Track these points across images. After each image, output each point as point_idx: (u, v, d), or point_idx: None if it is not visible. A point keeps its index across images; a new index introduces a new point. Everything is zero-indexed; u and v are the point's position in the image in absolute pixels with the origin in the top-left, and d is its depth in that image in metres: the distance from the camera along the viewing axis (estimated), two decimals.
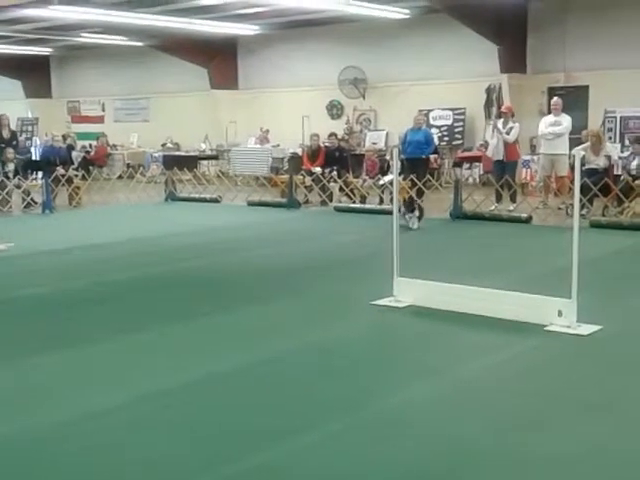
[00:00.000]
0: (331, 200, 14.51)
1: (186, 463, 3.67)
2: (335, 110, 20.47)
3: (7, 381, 4.89)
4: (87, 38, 20.66)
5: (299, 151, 18.22)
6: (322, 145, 15.77)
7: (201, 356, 5.36)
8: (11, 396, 4.62)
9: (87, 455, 3.78)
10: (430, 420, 4.22)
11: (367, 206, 13.80)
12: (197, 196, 15.65)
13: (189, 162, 19.18)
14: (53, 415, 4.29)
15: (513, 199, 13.27)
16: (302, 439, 3.92)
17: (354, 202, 14.19)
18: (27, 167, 15.84)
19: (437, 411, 4.35)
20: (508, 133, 13.37)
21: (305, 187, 14.88)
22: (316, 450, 3.82)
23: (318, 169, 15.00)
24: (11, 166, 15.03)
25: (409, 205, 11.64)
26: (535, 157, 15.14)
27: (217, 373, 4.96)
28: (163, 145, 22.29)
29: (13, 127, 16.36)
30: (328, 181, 14.65)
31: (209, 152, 21.60)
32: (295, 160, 17.78)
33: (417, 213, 11.54)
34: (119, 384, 4.79)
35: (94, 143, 22.58)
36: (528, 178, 15.53)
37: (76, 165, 17.36)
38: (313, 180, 14.79)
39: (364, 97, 19.84)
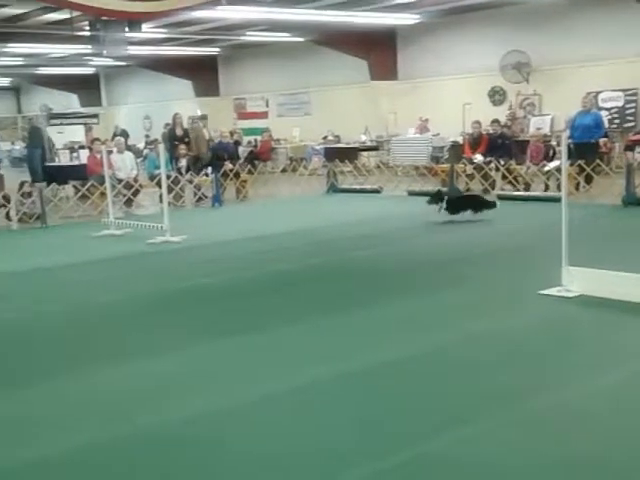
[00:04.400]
0: (493, 188, 14.19)
1: (351, 450, 3.72)
2: (497, 96, 19.96)
3: (180, 366, 5.15)
4: (252, 36, 21.38)
5: (460, 139, 17.96)
6: (484, 132, 15.45)
7: (361, 346, 5.40)
8: (184, 380, 4.88)
9: (258, 437, 3.94)
10: (609, 412, 4.04)
11: (532, 193, 13.39)
12: (358, 187, 15.81)
13: (350, 154, 19.39)
14: (221, 400, 4.48)
15: None
16: (466, 429, 3.88)
17: (517, 190, 13.82)
18: (197, 163, 16.63)
19: (616, 403, 4.16)
20: None
21: (466, 175, 14.65)
22: (482, 441, 3.76)
23: (479, 157, 14.71)
24: (183, 162, 15.85)
25: (436, 195, 11.42)
26: None
27: (380, 363, 4.98)
28: (324, 138, 22.67)
29: (185, 125, 17.20)
30: (490, 169, 14.34)
31: (369, 143, 21.73)
32: (456, 148, 17.54)
33: (444, 204, 11.10)
34: (289, 369, 4.94)
35: (259, 138, 23.39)
36: None
37: (243, 160, 18.03)
38: (475, 168, 14.53)
39: (528, 81, 19.21)
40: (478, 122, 15.55)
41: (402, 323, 5.95)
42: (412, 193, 14.64)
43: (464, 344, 5.32)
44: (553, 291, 6.41)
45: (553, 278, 6.45)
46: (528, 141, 15.73)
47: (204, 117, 21.95)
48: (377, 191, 15.30)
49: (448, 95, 20.09)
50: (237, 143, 19.60)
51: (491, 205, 11.15)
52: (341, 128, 22.61)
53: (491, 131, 15.45)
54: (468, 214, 10.96)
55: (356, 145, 21.44)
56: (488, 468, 3.48)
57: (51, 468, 3.70)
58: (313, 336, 5.70)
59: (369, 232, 10.68)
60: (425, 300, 6.67)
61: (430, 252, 8.96)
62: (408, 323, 5.94)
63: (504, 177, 14.24)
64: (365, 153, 21.28)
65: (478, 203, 11.15)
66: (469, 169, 14.65)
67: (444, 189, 11.96)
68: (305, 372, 4.84)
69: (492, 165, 14.39)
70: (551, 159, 14.05)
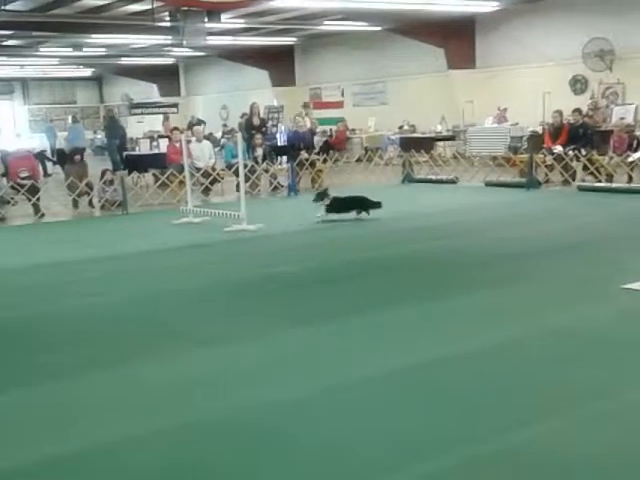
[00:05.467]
0: (574, 179, 13.86)
1: (437, 438, 3.73)
2: (579, 85, 19.45)
3: (257, 353, 5.23)
4: (329, 26, 21.40)
5: (539, 129, 17.61)
6: (565, 122, 15.10)
7: (436, 337, 5.38)
8: (259, 367, 4.95)
9: (339, 423, 3.97)
10: None
11: (614, 185, 13.02)
12: (434, 177, 15.68)
13: (426, 144, 19.25)
14: (303, 386, 4.54)
15: None
16: (550, 424, 3.83)
17: (599, 181, 13.46)
18: (273, 152, 16.80)
19: None
20: None
21: (546, 166, 14.35)
22: (564, 435, 3.70)
23: (560, 147, 14.39)
24: (260, 151, 16.03)
25: (322, 194, 11.12)
26: None
27: (456, 354, 4.95)
28: (400, 128, 22.55)
29: (262, 115, 17.38)
30: (571, 159, 14.01)
31: (445, 133, 21.51)
32: (535, 138, 17.19)
33: (327, 202, 10.90)
34: (364, 359, 4.96)
35: (334, 128, 23.42)
36: None
37: (318, 149, 18.09)
38: (555, 159, 14.21)
39: (611, 69, 18.64)
40: (559, 111, 15.19)
41: (478, 315, 5.89)
42: (489, 184, 14.44)
43: (544, 338, 5.22)
44: (637, 285, 6.24)
45: (638, 272, 6.27)
46: (611, 131, 15.29)
47: (281, 107, 22.09)
48: (453, 181, 15.15)
49: (527, 84, 19.68)
50: (312, 132, 19.66)
51: (376, 205, 11.01)
52: (417, 118, 22.44)
53: (572, 121, 15.07)
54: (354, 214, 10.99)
55: (432, 135, 21.27)
56: (572, 465, 3.43)
57: (131, 448, 3.82)
58: (388, 326, 5.69)
59: (445, 223, 10.59)
60: (503, 292, 6.58)
61: (505, 244, 8.82)
62: (485, 315, 5.87)
63: (585, 168, 13.89)
64: (441, 143, 21.07)
65: (363, 204, 10.99)
66: (549, 160, 14.34)
67: (327, 189, 11.67)
68: (381, 362, 4.85)
69: (573, 155, 14.05)
70: (635, 150, 13.63)
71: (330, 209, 10.92)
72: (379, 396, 4.31)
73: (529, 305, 6.12)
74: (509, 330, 5.43)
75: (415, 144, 18.40)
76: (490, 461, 3.49)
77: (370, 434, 3.82)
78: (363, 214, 11.00)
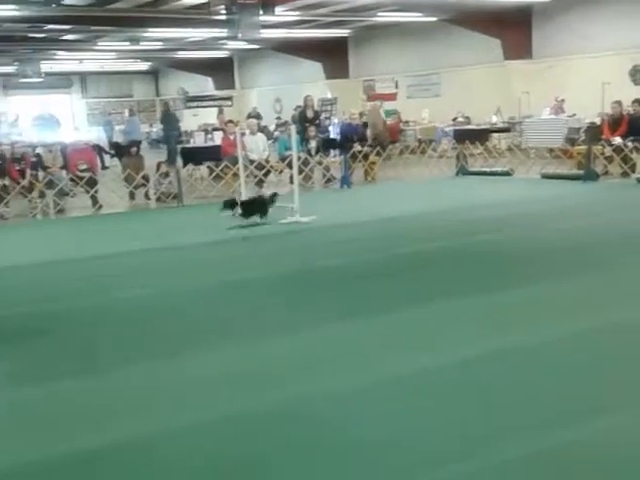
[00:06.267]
0: (633, 171, 13.55)
1: (477, 437, 3.69)
2: (639, 75, 18.97)
3: (307, 345, 5.26)
4: (383, 17, 21.28)
5: (597, 120, 17.22)
6: (625, 113, 14.75)
7: (493, 329, 5.33)
8: (313, 359, 4.98)
9: (385, 419, 3.97)
10: None
11: None
12: (488, 170, 15.49)
13: (480, 135, 19.01)
14: (353, 380, 4.54)
15: None
16: (614, 418, 3.78)
17: None
18: (326, 145, 16.81)
19: None
20: None
21: (604, 158, 14.06)
22: (629, 430, 3.65)
23: (619, 139, 14.07)
24: (313, 144, 16.06)
25: (230, 202, 10.54)
26: None
27: (513, 347, 4.89)
28: (454, 119, 22.32)
29: (315, 107, 17.39)
30: (630, 151, 13.69)
31: (501, 125, 21.22)
32: (593, 130, 16.82)
33: (239, 210, 10.30)
34: (410, 353, 4.94)
35: (388, 120, 23.28)
36: None
37: (370, 142, 18.02)
38: (614, 150, 13.91)
39: None
40: (618, 102, 14.85)
41: (537, 307, 5.81)
42: (546, 176, 14.20)
43: (605, 332, 5.13)
44: None
45: None
46: None
47: (334, 99, 22.07)
48: (508, 174, 14.94)
49: (586, 74, 19.28)
50: (366, 125, 19.59)
51: (273, 200, 10.59)
52: (471, 109, 22.18)
53: (632, 112, 14.72)
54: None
55: (487, 126, 20.99)
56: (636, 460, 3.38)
57: (197, 434, 3.89)
58: (444, 318, 5.67)
59: (501, 215, 10.46)
60: (563, 285, 6.48)
61: (563, 237, 8.66)
62: (544, 307, 5.79)
63: None
64: (496, 135, 20.77)
65: (263, 205, 10.53)
66: (607, 151, 14.04)
67: (235, 197, 11.15)
68: (428, 356, 4.82)
69: (632, 147, 13.73)
70: None
71: (246, 215, 10.30)
72: (434, 389, 4.29)
73: (591, 298, 6.02)
74: (571, 323, 5.35)
75: (469, 136, 18.18)
76: (552, 454, 3.46)
77: (425, 427, 3.81)
78: (262, 218, 10.46)
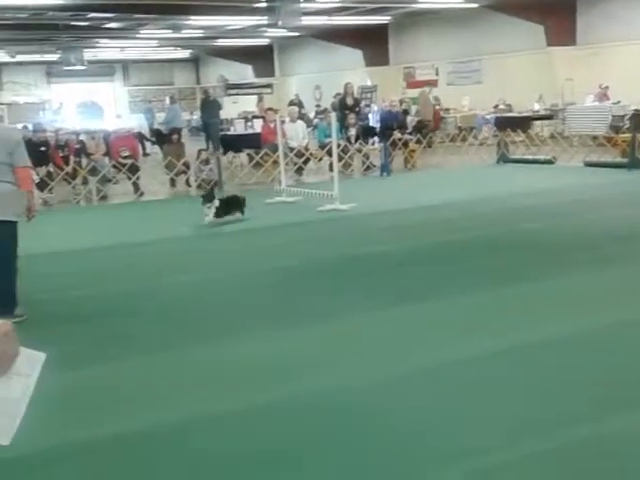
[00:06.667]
0: None
1: (513, 429, 3.68)
2: None
3: (351, 333, 5.28)
4: (424, 3, 21.10)
5: None
6: None
7: (535, 319, 5.29)
8: (356, 346, 4.99)
9: (427, 408, 3.99)
10: None
11: None
12: (530, 157, 15.32)
13: (522, 123, 18.76)
14: (398, 367, 4.56)
15: None
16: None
17: None
18: (366, 132, 16.77)
19: None
20: None
21: None
22: None
23: None
24: (353, 131, 16.02)
25: (208, 195, 10.20)
26: None
27: (545, 341, 4.85)
28: (495, 107, 22.07)
29: (355, 95, 17.35)
30: None
31: (543, 112, 20.92)
32: (638, 117, 16.52)
33: (216, 204, 9.96)
34: (451, 341, 4.94)
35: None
36: None
37: (411, 129, 17.94)
38: None
39: None
40: None
41: (580, 297, 5.77)
42: (589, 164, 14.00)
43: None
44: None
45: None
46: None
47: (374, 87, 21.98)
48: (550, 162, 14.76)
49: (631, 61, 18.91)
50: (405, 112, 19.50)
51: (243, 201, 10.37)
52: (513, 96, 21.90)
53: None
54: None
55: (529, 114, 20.72)
56: None
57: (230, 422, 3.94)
58: (486, 307, 5.66)
59: (543, 204, 10.34)
60: (603, 274, 6.40)
61: (605, 226, 8.55)
62: (587, 297, 5.75)
63: None
64: (538, 122, 20.48)
65: (240, 204, 10.32)
66: None
67: (216, 190, 10.89)
68: (469, 345, 4.81)
69: None
70: None
71: (218, 213, 10.05)
72: (479, 377, 4.29)
73: (623, 290, 5.93)
74: (614, 312, 5.29)
75: (511, 123, 17.96)
76: (594, 443, 3.45)
77: (468, 415, 3.82)
78: (238, 214, 10.31)
